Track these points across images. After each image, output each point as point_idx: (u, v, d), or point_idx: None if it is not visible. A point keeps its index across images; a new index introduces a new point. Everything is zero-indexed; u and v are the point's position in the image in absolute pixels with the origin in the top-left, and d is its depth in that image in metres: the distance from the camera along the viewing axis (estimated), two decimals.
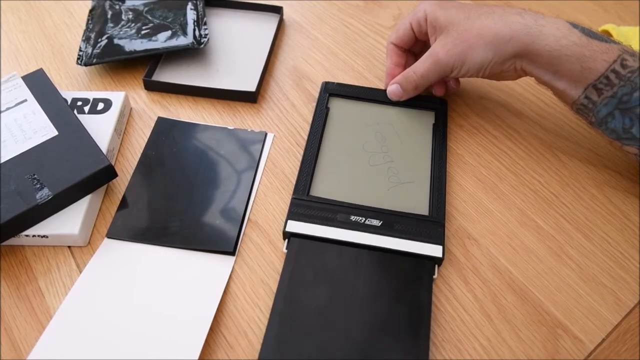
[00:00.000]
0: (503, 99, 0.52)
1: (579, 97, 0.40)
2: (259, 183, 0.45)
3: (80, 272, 0.39)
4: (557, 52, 0.39)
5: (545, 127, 0.49)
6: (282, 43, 0.57)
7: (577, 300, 0.38)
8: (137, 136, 0.48)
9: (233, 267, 0.40)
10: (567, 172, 0.46)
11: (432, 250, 0.39)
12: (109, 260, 0.40)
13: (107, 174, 0.42)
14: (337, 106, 0.49)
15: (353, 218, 0.40)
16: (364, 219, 0.40)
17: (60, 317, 0.36)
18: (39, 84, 0.47)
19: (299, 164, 0.45)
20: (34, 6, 0.62)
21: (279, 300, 0.36)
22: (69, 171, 0.40)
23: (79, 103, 0.47)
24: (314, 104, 0.49)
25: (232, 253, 0.40)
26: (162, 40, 0.53)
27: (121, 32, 0.54)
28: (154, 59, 0.53)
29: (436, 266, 0.39)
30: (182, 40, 0.52)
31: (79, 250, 0.41)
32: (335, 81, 0.52)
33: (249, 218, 0.43)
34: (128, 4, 0.57)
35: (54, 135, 0.43)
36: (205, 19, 0.55)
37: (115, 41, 0.53)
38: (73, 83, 0.53)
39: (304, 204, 0.41)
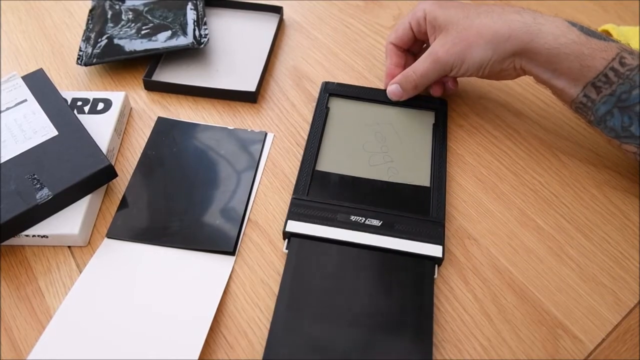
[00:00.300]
0: (503, 99, 0.52)
1: (578, 95, 0.40)
2: (259, 183, 0.45)
3: (80, 272, 0.39)
4: (556, 50, 0.39)
5: (545, 127, 0.49)
6: (282, 43, 0.57)
7: (577, 300, 0.38)
8: (137, 136, 0.48)
9: (233, 267, 0.40)
10: (567, 172, 0.46)
11: (432, 250, 0.39)
12: (109, 260, 0.40)
13: (107, 174, 0.42)
14: (337, 106, 0.49)
15: (353, 218, 0.40)
16: (364, 219, 0.40)
17: (60, 317, 0.36)
18: (39, 84, 0.47)
19: (299, 164, 0.45)
20: (34, 6, 0.62)
21: (282, 301, 0.36)
22: (69, 171, 0.40)
23: (79, 103, 0.47)
24: (314, 104, 0.49)
25: (232, 253, 0.40)
26: (162, 40, 0.53)
27: (121, 32, 0.54)
28: (154, 59, 0.53)
29: (436, 266, 0.39)
30: (182, 40, 0.52)
31: (79, 250, 0.41)
32: (335, 81, 0.52)
33: (249, 218, 0.43)
34: (128, 4, 0.57)
35: (54, 135, 0.43)
36: (205, 19, 0.55)
37: (115, 41, 0.53)
38: (73, 83, 0.53)
39: (304, 204, 0.41)
